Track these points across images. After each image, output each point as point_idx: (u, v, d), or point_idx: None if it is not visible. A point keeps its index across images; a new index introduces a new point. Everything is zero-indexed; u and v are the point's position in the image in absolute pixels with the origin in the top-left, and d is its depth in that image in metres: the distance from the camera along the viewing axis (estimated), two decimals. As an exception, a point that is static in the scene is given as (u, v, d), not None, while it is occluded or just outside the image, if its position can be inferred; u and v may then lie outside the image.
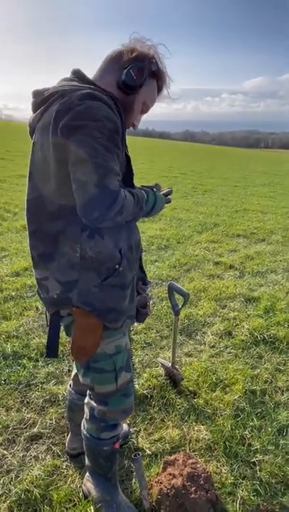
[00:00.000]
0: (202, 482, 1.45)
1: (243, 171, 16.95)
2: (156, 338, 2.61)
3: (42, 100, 1.07)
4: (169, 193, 1.41)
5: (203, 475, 1.48)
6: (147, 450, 1.70)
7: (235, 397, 2.03)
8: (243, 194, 9.60)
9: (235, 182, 12.18)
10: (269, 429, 1.84)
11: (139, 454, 1.29)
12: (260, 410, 1.97)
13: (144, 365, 2.31)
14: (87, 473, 1.47)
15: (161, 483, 1.46)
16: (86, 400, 1.38)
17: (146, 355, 2.42)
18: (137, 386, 2.08)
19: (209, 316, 2.95)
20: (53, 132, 0.98)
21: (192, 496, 1.40)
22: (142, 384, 2.10)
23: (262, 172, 17.30)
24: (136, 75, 1.08)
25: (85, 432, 1.38)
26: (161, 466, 1.55)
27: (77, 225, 1.04)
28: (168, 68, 1.17)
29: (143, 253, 4.20)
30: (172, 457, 1.58)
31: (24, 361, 2.22)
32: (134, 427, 1.84)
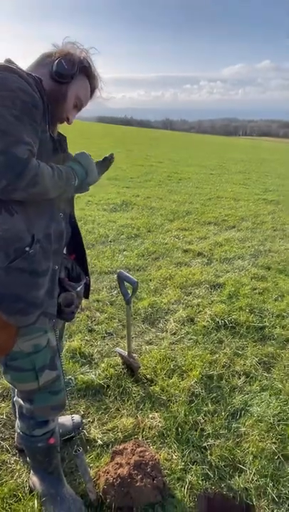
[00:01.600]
0: (149, 470, 1.45)
1: (220, 159, 16.97)
2: (117, 328, 2.59)
3: None
4: (109, 158, 1.37)
5: (150, 462, 1.48)
6: (99, 440, 1.68)
7: (192, 382, 2.03)
8: (218, 182, 9.62)
9: (211, 170, 12.18)
10: (223, 414, 1.86)
11: (79, 450, 1.27)
12: (215, 395, 1.98)
13: (103, 355, 2.29)
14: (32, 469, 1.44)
15: (107, 473, 1.45)
16: (15, 397, 1.35)
17: (107, 345, 2.40)
18: (93, 376, 2.05)
19: (173, 304, 2.95)
20: None
21: (138, 484, 1.40)
22: (99, 374, 2.08)
23: (239, 160, 17.38)
24: (67, 65, 1.11)
25: (18, 430, 1.35)
26: (110, 456, 1.54)
27: None
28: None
29: (112, 243, 4.21)
30: (121, 446, 1.57)
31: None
32: (87, 418, 1.82)
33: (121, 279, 1.95)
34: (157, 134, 41.73)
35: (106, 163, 1.35)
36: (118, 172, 9.42)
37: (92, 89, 1.22)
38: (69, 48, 1.14)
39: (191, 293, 3.16)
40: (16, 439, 1.63)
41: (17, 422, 1.37)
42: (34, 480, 1.43)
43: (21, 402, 1.30)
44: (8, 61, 1.08)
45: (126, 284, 2.00)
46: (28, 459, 1.41)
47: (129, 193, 7.05)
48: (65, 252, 1.35)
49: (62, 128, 1.29)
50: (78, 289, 1.29)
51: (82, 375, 2.06)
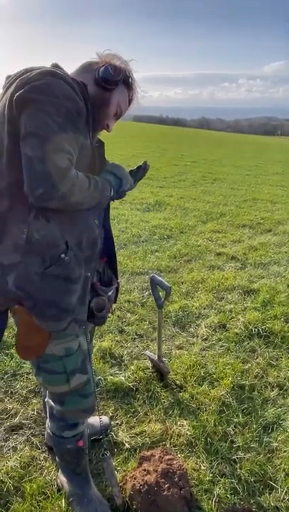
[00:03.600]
0: (176, 479, 1.43)
1: (256, 159, 16.57)
2: (148, 330, 2.58)
3: (9, 81, 1.05)
4: (143, 166, 1.35)
5: (178, 472, 1.45)
6: (126, 444, 1.68)
7: (223, 392, 1.99)
8: (254, 183, 9.39)
9: (246, 170, 11.91)
10: (254, 426, 1.80)
11: (106, 454, 1.27)
12: (246, 406, 1.92)
13: (133, 357, 2.28)
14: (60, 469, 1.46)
15: (135, 478, 1.44)
16: (46, 398, 1.36)
17: (137, 347, 2.40)
18: (122, 379, 2.05)
19: (205, 308, 2.90)
20: (9, 106, 0.96)
21: (165, 492, 1.38)
22: (128, 377, 2.08)
23: (277, 160, 16.89)
24: (113, 71, 1.12)
25: (49, 430, 1.37)
26: (137, 461, 1.53)
27: (24, 204, 0.99)
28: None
29: (144, 243, 4.21)
30: (149, 452, 1.56)
31: (12, 351, 2.22)
32: (116, 420, 1.82)
33: (154, 283, 1.93)
34: (193, 133, 41.38)
35: (140, 171, 1.33)
36: (152, 172, 9.41)
37: (130, 101, 1.23)
38: (110, 58, 1.15)
39: (223, 298, 3.10)
40: (46, 437, 1.65)
41: (47, 422, 1.40)
42: (62, 479, 1.45)
43: (52, 403, 1.31)
44: (55, 65, 1.09)
45: (158, 288, 1.98)
46: (56, 458, 1.43)
47: (163, 193, 7.03)
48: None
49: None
50: (110, 293, 1.29)
51: (111, 377, 2.07)
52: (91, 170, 1.13)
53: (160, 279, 1.91)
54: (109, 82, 1.11)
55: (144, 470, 1.46)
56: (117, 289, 1.44)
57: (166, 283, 1.88)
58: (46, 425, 1.44)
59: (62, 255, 1.05)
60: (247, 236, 4.83)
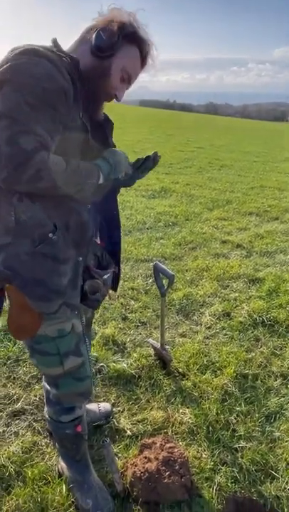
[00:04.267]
0: (177, 467, 1.43)
1: (264, 146, 16.29)
2: (151, 318, 2.56)
3: None
4: (152, 157, 1.27)
5: (179, 460, 1.45)
6: (128, 431, 1.68)
7: (225, 380, 1.97)
8: (262, 170, 9.24)
9: (254, 157, 11.72)
10: (256, 415, 1.79)
11: (106, 441, 1.26)
12: (249, 395, 1.91)
13: (136, 344, 2.27)
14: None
15: (135, 465, 1.44)
16: (43, 381, 1.35)
17: (140, 334, 2.38)
18: (125, 366, 2.05)
19: (209, 297, 2.87)
20: None
21: (165, 480, 1.38)
22: (131, 364, 2.07)
23: (285, 147, 16.59)
24: (105, 36, 1.02)
25: (46, 415, 1.37)
26: (138, 448, 1.53)
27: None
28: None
29: (149, 230, 4.16)
30: (150, 440, 1.56)
31: (15, 337, 2.21)
32: (118, 407, 1.82)
33: (157, 271, 1.90)
34: (200, 119, 40.73)
35: (149, 161, 1.25)
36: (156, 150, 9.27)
37: (144, 57, 1.09)
38: (114, 14, 1.05)
39: (228, 286, 3.06)
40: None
41: (45, 408, 1.39)
42: (62, 465, 1.46)
43: (48, 387, 1.30)
44: (54, 41, 1.04)
45: (162, 276, 1.95)
46: (56, 444, 1.44)
47: (169, 180, 6.94)
48: (98, 241, 1.34)
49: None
50: (105, 277, 1.26)
51: (114, 364, 2.06)
52: (84, 152, 1.06)
53: (163, 266, 1.88)
54: (104, 49, 1.03)
55: (145, 457, 1.46)
56: (117, 276, 1.41)
57: (169, 271, 1.86)
58: (44, 411, 1.43)
59: (50, 234, 1.03)
60: (253, 224, 4.77)
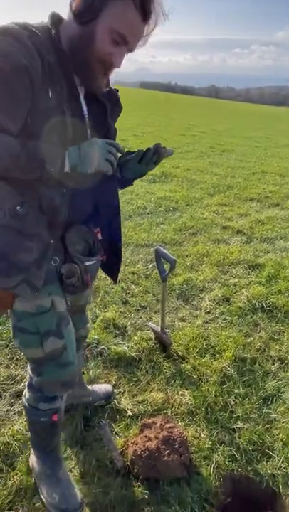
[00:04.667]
0: (177, 446, 1.47)
1: (266, 131, 16.10)
2: (151, 302, 2.59)
3: None
4: (153, 150, 1.14)
5: (178, 439, 1.49)
6: (129, 411, 1.72)
7: (224, 364, 2.01)
8: (263, 155, 9.16)
9: (256, 142, 11.60)
10: (254, 398, 1.83)
11: (102, 422, 1.30)
12: (247, 378, 1.95)
13: (136, 328, 2.30)
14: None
15: (136, 444, 1.48)
16: (28, 367, 1.33)
17: (140, 318, 2.41)
18: (126, 348, 2.08)
19: (209, 282, 2.89)
20: None
21: (165, 458, 1.42)
22: (132, 347, 2.10)
23: (287, 132, 16.40)
24: None
25: (24, 400, 1.33)
26: (139, 428, 1.57)
27: None
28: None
29: (149, 215, 4.16)
30: (150, 420, 1.60)
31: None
32: (118, 388, 1.86)
33: (159, 255, 1.91)
34: (201, 102, 40.05)
35: (149, 154, 1.11)
36: (159, 142, 9.17)
37: (143, 8, 0.92)
38: None
39: (228, 272, 3.08)
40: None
41: (25, 392, 1.35)
42: (33, 459, 1.43)
43: (31, 373, 1.28)
44: (51, 15, 0.98)
45: (163, 260, 1.96)
46: (30, 433, 1.41)
47: (169, 164, 6.88)
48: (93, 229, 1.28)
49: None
50: (87, 263, 1.20)
51: (115, 346, 2.09)
52: (63, 133, 0.98)
53: (165, 251, 1.89)
54: (83, 13, 0.92)
55: (146, 437, 1.50)
56: (117, 268, 1.37)
57: (171, 256, 1.87)
58: (23, 396, 1.38)
59: (18, 207, 1.00)
60: (254, 210, 4.76)
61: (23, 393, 1.36)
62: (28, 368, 1.31)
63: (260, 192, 5.56)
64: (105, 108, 1.12)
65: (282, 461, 1.53)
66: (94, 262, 1.23)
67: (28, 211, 1.02)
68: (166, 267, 2.03)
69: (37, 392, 1.28)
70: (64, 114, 0.97)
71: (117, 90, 1.20)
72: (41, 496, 1.35)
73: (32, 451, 1.44)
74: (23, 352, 1.24)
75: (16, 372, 1.88)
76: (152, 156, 1.12)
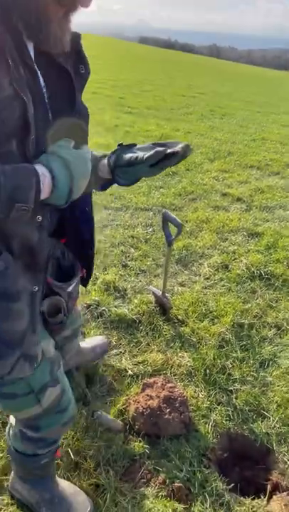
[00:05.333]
0: (177, 405, 1.52)
1: (269, 96, 15.57)
2: (151, 266, 2.58)
3: None
4: (182, 153, 0.88)
5: (179, 399, 1.54)
6: (129, 371, 1.76)
7: (222, 329, 2.05)
8: (265, 121, 8.91)
9: (257, 107, 11.25)
10: (251, 362, 1.88)
11: (97, 412, 1.34)
12: (244, 343, 1.99)
13: (136, 291, 2.31)
14: (13, 475, 1.21)
15: (138, 402, 1.53)
16: (10, 418, 1.10)
17: (140, 281, 2.42)
18: (126, 311, 2.09)
19: (208, 248, 2.89)
20: None
21: (166, 416, 1.47)
22: (132, 309, 2.12)
23: (289, 98, 15.91)
24: None
25: (13, 449, 1.10)
26: (141, 387, 1.61)
27: None
28: None
29: (148, 179, 4.06)
30: (152, 380, 1.64)
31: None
32: (119, 349, 1.89)
33: (165, 219, 1.88)
34: (202, 61, 38.32)
35: (174, 160, 0.86)
36: (159, 102, 8.85)
37: None
38: None
39: (227, 239, 3.08)
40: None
41: (8, 433, 1.12)
42: (19, 488, 1.20)
43: (23, 428, 1.04)
44: None
45: (169, 225, 1.93)
46: (15, 469, 1.19)
47: (169, 126, 6.67)
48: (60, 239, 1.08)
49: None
50: (70, 288, 0.99)
51: (115, 308, 2.10)
52: (26, 136, 0.70)
53: (173, 216, 1.85)
54: None
55: (148, 395, 1.54)
56: (89, 276, 1.18)
57: (179, 220, 1.83)
58: (7, 440, 1.14)
59: None
60: (254, 177, 4.69)
61: (6, 438, 1.15)
62: (12, 420, 1.08)
63: (260, 159, 5.45)
64: (69, 76, 0.80)
65: (276, 422, 1.60)
66: (75, 283, 1.03)
67: (8, 262, 0.78)
68: (173, 231, 2.00)
69: (38, 442, 1.06)
70: (25, 105, 0.68)
71: (80, 36, 0.82)
72: None
73: (18, 483, 1.19)
74: (14, 415, 1.03)
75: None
76: (173, 160, 0.88)
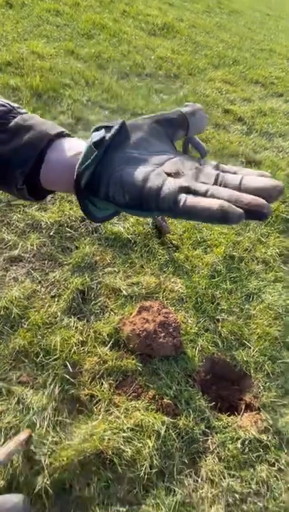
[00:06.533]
0: (171, 330, 1.58)
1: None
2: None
3: None
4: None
5: (173, 324, 1.60)
6: (124, 291, 1.77)
7: (215, 259, 2.07)
8: (274, 28, 8.02)
9: (268, 9, 10.00)
10: (238, 294, 1.96)
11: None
12: (234, 275, 2.05)
13: (132, 209, 2.22)
14: None
15: (134, 324, 1.56)
16: None
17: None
18: (122, 229, 2.03)
19: (206, 171, 2.76)
20: None
21: (160, 340, 1.53)
22: (128, 228, 2.05)
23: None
24: None
25: None
26: (136, 309, 1.64)
27: None
28: None
29: (148, 78, 3.64)
30: (148, 303, 1.66)
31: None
32: (113, 267, 1.87)
33: (188, 143, 1.70)
34: None
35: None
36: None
37: None
38: None
39: (225, 164, 2.94)
40: None
41: None
42: None
43: None
44: None
45: (190, 149, 1.76)
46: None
47: (173, 14, 5.80)
48: None
49: None
50: None
51: (111, 225, 2.03)
52: None
53: (198, 140, 1.68)
54: None
55: (144, 319, 1.58)
56: None
57: (204, 147, 1.68)
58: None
59: None
60: (258, 96, 4.36)
61: None
62: None
63: (266, 76, 5.02)
64: None
65: (256, 352, 1.74)
66: None
67: None
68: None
69: None
70: None
71: None
72: None
73: None
74: None
75: (9, 237, 1.79)
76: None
